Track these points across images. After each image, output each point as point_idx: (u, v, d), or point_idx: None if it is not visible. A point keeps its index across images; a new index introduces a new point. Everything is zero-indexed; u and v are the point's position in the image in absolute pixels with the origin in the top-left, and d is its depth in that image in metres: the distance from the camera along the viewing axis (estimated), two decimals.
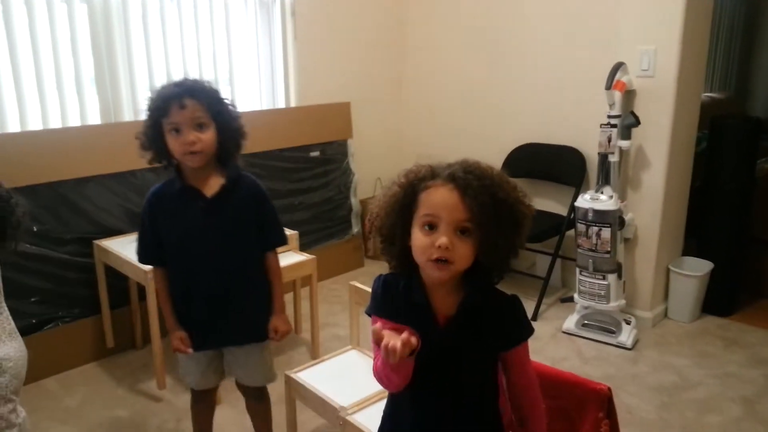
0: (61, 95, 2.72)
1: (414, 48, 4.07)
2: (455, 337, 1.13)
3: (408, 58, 4.12)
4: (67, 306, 2.71)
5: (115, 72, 2.85)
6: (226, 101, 1.70)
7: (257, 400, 1.95)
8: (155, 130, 1.64)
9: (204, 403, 1.97)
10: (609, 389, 1.46)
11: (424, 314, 1.13)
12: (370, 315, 1.19)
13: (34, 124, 2.67)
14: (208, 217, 1.68)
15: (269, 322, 1.82)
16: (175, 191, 1.69)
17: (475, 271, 1.11)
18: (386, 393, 1.25)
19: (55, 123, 2.72)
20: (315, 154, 3.59)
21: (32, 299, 2.59)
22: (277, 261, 1.84)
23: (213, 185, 1.69)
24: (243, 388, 1.93)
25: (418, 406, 1.18)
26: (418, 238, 1.08)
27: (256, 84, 3.46)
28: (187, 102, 1.60)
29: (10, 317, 1.62)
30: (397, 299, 1.17)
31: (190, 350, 1.75)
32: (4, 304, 1.62)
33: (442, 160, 1.13)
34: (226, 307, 1.74)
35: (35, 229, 2.57)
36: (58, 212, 2.64)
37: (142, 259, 1.81)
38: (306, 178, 3.57)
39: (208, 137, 1.63)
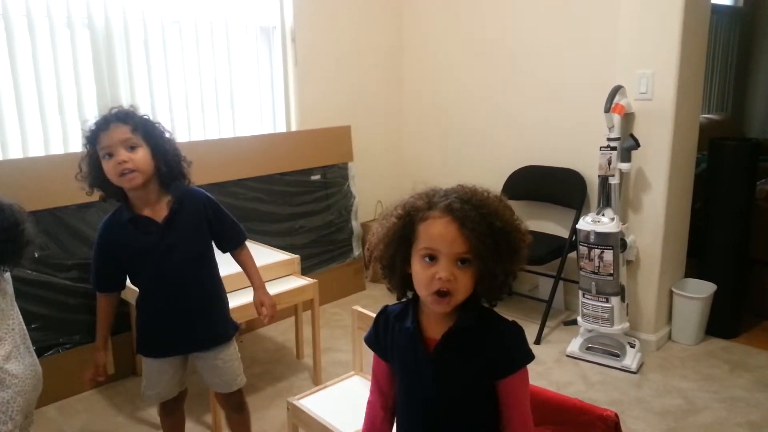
0: (63, 121, 2.74)
1: (413, 72, 4.11)
2: (444, 362, 1.13)
3: (407, 81, 4.15)
4: (68, 332, 2.69)
5: (117, 97, 2.86)
6: (156, 124, 1.78)
7: (237, 411, 2.02)
8: (92, 161, 1.71)
9: (174, 415, 2.03)
10: (616, 415, 1.45)
11: (415, 340, 1.15)
12: (365, 342, 1.27)
13: (36, 150, 2.68)
14: (164, 239, 1.75)
15: (229, 321, 1.95)
16: (125, 221, 1.75)
17: (472, 297, 1.10)
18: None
19: (57, 149, 2.73)
20: (316, 177, 3.60)
21: (33, 326, 2.57)
22: (246, 251, 1.97)
23: (162, 208, 1.76)
24: (222, 399, 2.00)
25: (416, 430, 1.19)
26: (419, 270, 1.08)
27: (257, 108, 3.48)
28: (112, 125, 1.68)
29: (26, 334, 1.64)
30: (393, 328, 1.20)
31: (101, 378, 1.85)
32: (17, 318, 1.63)
33: (438, 184, 1.14)
34: (192, 316, 1.83)
35: (36, 255, 2.56)
36: (60, 238, 2.64)
37: (97, 287, 1.86)
38: (307, 202, 3.57)
39: (139, 156, 1.69)
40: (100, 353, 1.84)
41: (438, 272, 1.05)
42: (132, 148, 1.68)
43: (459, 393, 1.14)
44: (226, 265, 1.97)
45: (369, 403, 1.27)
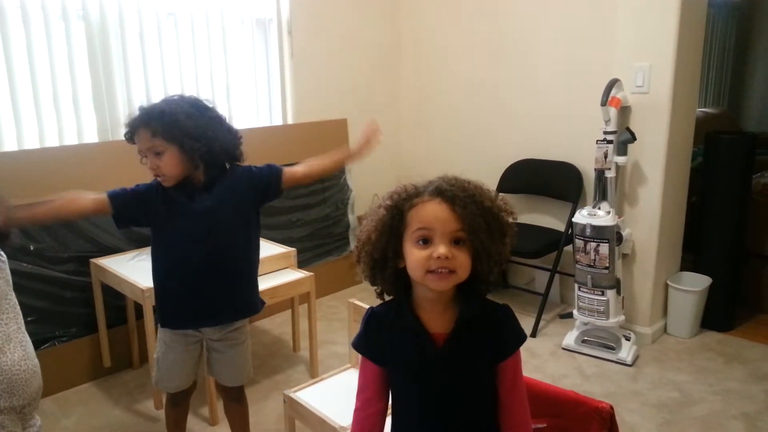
0: (58, 114, 2.72)
1: (410, 65, 4.10)
2: (455, 355, 1.12)
3: (404, 74, 4.14)
4: (64, 325, 2.69)
5: (112, 90, 2.85)
6: (180, 122, 1.70)
7: (237, 402, 2.03)
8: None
9: (181, 407, 2.04)
10: (611, 407, 1.45)
11: (419, 337, 1.13)
12: (355, 348, 1.22)
13: (31, 143, 2.67)
14: (202, 202, 1.77)
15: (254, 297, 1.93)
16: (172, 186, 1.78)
17: (466, 285, 1.11)
18: (390, 419, 1.24)
19: (52, 141, 2.72)
20: None
21: (28, 319, 2.53)
22: (295, 167, 1.95)
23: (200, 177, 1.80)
24: (224, 390, 2.01)
25: (425, 428, 1.17)
26: (414, 253, 1.08)
27: (254, 101, 3.47)
28: (139, 131, 1.72)
29: (21, 328, 1.61)
30: (388, 329, 1.17)
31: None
32: (13, 312, 1.61)
33: (425, 178, 1.14)
34: (221, 284, 1.81)
35: (32, 248, 2.56)
36: (55, 231, 2.63)
37: (109, 194, 1.78)
38: (303, 195, 3.56)
39: (165, 162, 1.71)
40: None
41: (435, 251, 1.05)
42: (157, 154, 1.70)
43: (469, 383, 1.15)
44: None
45: (358, 411, 1.21)
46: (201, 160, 1.75)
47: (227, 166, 1.85)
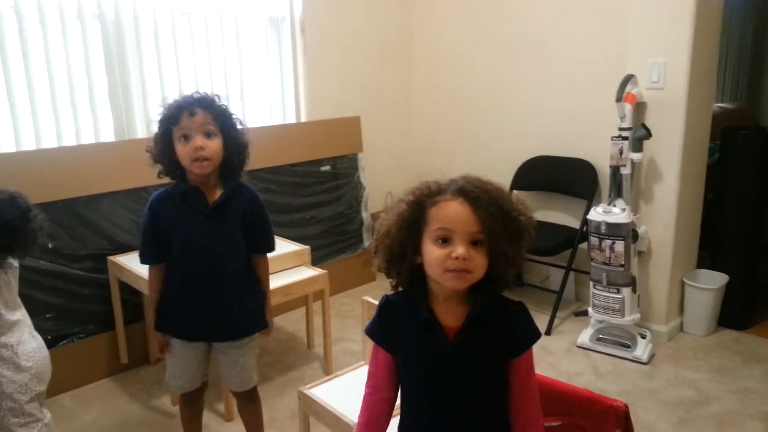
0: (74, 112, 2.75)
1: (423, 61, 4.09)
2: (466, 349, 1.13)
3: (417, 71, 4.13)
4: (82, 322, 2.72)
5: (128, 89, 2.88)
6: (233, 117, 1.81)
7: (248, 402, 2.05)
8: (165, 140, 1.74)
9: (194, 405, 2.06)
10: (626, 406, 1.45)
11: (432, 329, 1.14)
12: (368, 334, 1.23)
13: (48, 142, 2.70)
14: (208, 221, 1.78)
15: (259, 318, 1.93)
16: (178, 194, 1.78)
17: (482, 282, 1.12)
18: (399, 410, 1.25)
19: (69, 140, 2.75)
20: (326, 168, 3.61)
21: (47, 315, 2.60)
22: (264, 262, 1.94)
23: (214, 194, 1.80)
24: (236, 392, 2.03)
25: (434, 421, 1.18)
26: (433, 251, 1.09)
27: (267, 99, 3.48)
28: (197, 110, 1.71)
29: (30, 321, 1.69)
30: (401, 319, 1.19)
31: (169, 354, 1.89)
32: (22, 307, 1.67)
33: (448, 175, 1.15)
34: (220, 304, 1.83)
35: (50, 245, 2.59)
36: (72, 229, 2.66)
37: (145, 260, 1.86)
38: (317, 193, 3.58)
39: (215, 145, 1.73)
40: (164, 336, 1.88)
41: (454, 251, 1.06)
42: (209, 135, 1.72)
43: (479, 377, 1.16)
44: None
45: (368, 396, 1.24)
46: (232, 160, 1.78)
47: (240, 185, 1.85)
